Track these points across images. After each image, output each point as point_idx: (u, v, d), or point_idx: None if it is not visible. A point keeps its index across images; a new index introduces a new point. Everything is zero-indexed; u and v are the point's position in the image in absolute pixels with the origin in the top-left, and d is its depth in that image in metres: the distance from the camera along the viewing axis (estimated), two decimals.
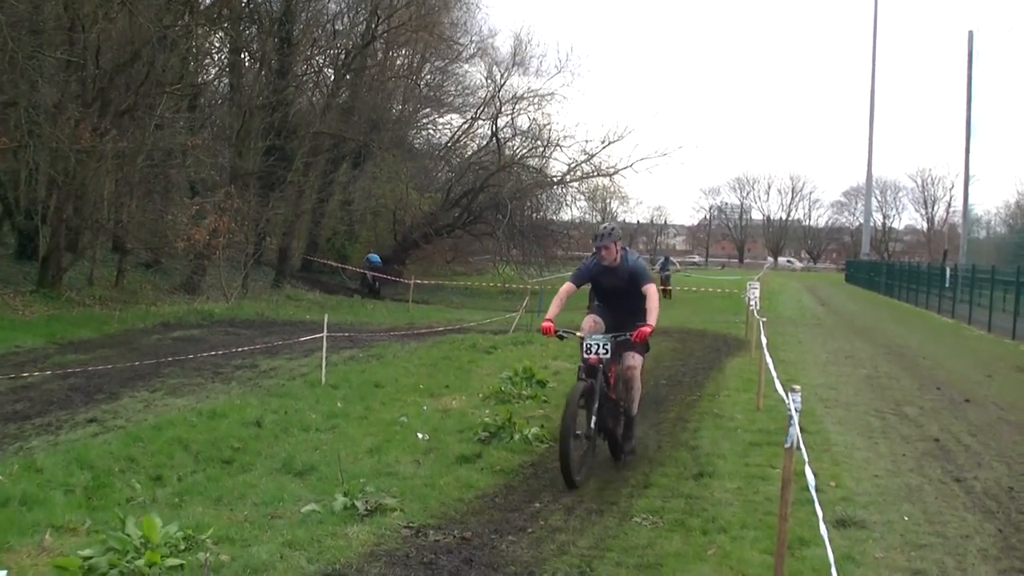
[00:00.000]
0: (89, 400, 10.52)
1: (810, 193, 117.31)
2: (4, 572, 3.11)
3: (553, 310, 7.60)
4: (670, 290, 33.96)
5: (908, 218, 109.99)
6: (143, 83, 21.30)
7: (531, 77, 47.63)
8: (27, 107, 18.67)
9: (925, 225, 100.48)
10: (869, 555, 5.54)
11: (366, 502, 6.01)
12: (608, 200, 56.59)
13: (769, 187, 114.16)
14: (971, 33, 46.35)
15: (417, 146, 41.95)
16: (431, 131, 43.82)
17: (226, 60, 29.70)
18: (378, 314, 24.98)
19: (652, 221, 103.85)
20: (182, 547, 5.04)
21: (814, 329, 22.07)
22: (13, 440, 8.55)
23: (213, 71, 30.77)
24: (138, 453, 7.78)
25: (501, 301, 31.53)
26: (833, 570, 4.15)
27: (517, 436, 8.18)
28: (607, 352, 7.20)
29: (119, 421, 9.45)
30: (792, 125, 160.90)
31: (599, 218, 51.08)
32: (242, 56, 29.12)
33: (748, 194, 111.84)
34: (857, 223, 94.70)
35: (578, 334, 7.47)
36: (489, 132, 39.13)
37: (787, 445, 4.50)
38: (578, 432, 6.87)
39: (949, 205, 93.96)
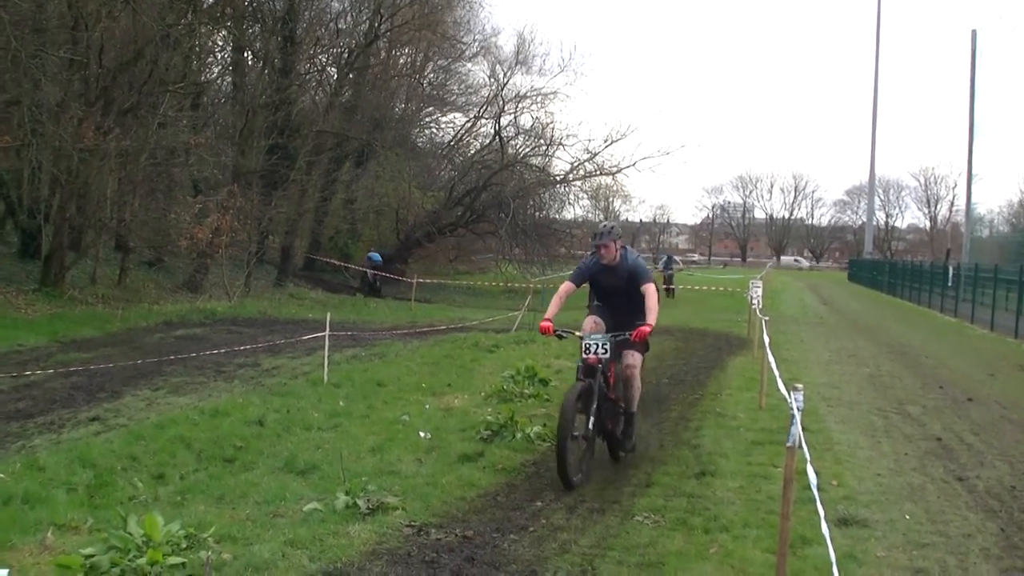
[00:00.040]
0: (91, 398, 10.54)
1: (813, 192, 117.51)
2: (6, 571, 3.11)
3: (552, 309, 7.54)
4: (673, 289, 33.88)
5: (911, 217, 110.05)
6: (146, 82, 21.33)
7: (534, 76, 47.77)
8: (30, 106, 18.70)
9: (928, 224, 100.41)
10: (871, 554, 5.53)
11: (368, 501, 6.01)
12: (611, 199, 56.57)
13: (772, 186, 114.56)
14: (974, 32, 46.30)
15: (420, 145, 41.95)
16: (434, 130, 43.89)
17: (229, 59, 29.77)
18: (380, 313, 24.99)
19: (655, 220, 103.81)
20: (184, 546, 5.04)
21: (817, 328, 22.05)
22: (16, 438, 8.56)
23: (216, 70, 30.88)
24: (140, 451, 7.79)
25: (503, 300, 31.54)
26: (835, 569, 4.15)
27: (519, 435, 8.18)
28: (606, 352, 7.14)
29: (121, 419, 9.46)
30: (795, 124, 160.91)
31: (602, 217, 51.02)
32: (245, 55, 29.17)
33: (751, 193, 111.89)
34: (860, 222, 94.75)
35: (577, 333, 7.43)
36: (492, 131, 39.13)
37: (789, 444, 4.50)
38: (575, 433, 6.81)
39: (952, 204, 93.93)
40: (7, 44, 17.03)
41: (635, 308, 7.34)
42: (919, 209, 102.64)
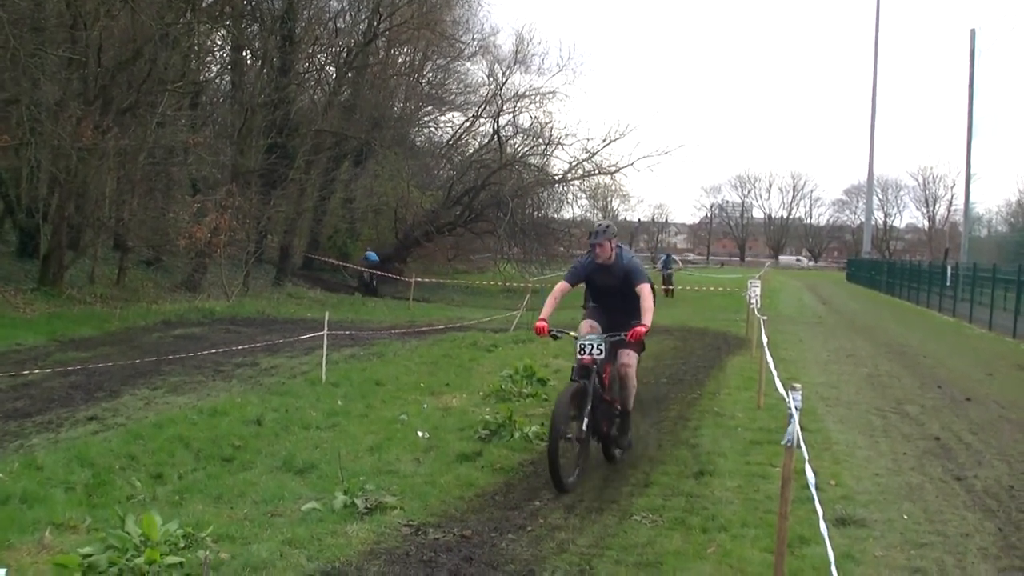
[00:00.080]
0: (90, 398, 10.53)
1: (811, 191, 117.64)
2: (4, 570, 3.10)
3: (547, 309, 7.47)
4: (672, 289, 33.80)
5: (909, 216, 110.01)
6: (145, 81, 21.32)
7: (533, 75, 47.75)
8: (29, 105, 18.69)
9: (926, 223, 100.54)
10: (869, 553, 5.54)
11: (366, 500, 6.02)
12: (609, 198, 56.65)
13: (770, 185, 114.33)
14: (973, 31, 46.27)
15: (419, 144, 41.96)
16: (433, 129, 43.91)
17: (228, 58, 29.75)
18: (379, 312, 24.99)
19: (653, 219, 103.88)
20: (182, 545, 5.04)
21: (815, 328, 22.06)
22: (14, 438, 8.55)
23: (215, 69, 30.87)
24: (138, 451, 7.78)
25: (502, 299, 31.53)
26: (833, 568, 4.14)
27: (517, 434, 8.17)
28: (601, 353, 7.07)
29: (120, 419, 9.45)
30: (793, 123, 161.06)
31: (600, 216, 51.03)
32: (244, 54, 29.15)
33: (749, 192, 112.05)
34: (858, 221, 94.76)
35: (572, 334, 7.38)
36: (491, 130, 39.15)
37: (784, 443, 4.50)
38: (569, 435, 6.73)
39: (950, 203, 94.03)
40: (6, 43, 17.02)
41: (630, 308, 7.29)
42: (917, 209, 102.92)
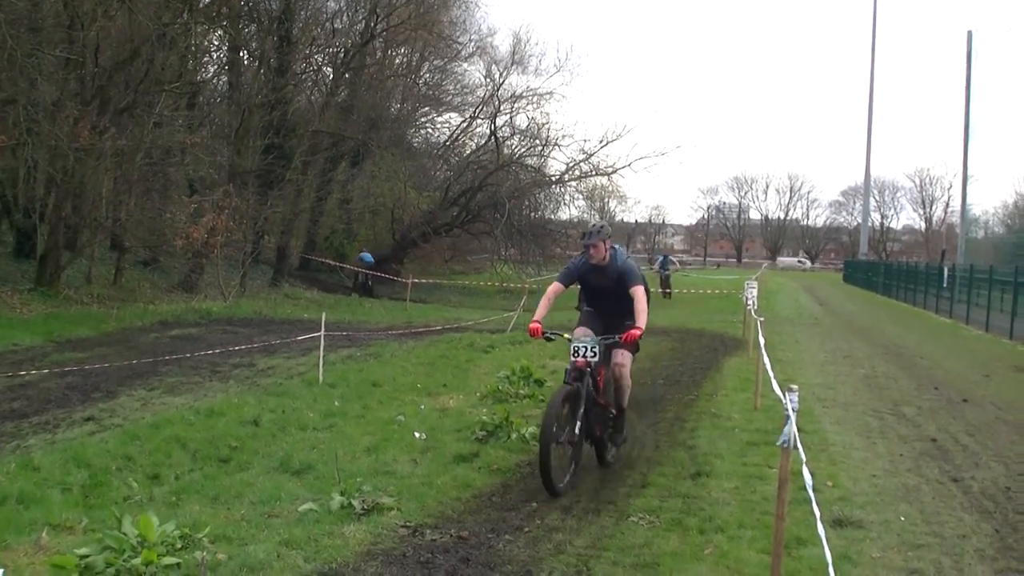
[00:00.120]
0: (86, 398, 10.52)
1: (808, 193, 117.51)
2: (1, 571, 3.10)
3: (541, 311, 7.41)
4: (670, 292, 33.77)
5: (906, 218, 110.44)
6: (142, 81, 21.30)
7: (530, 76, 47.77)
8: (26, 105, 18.67)
9: (923, 225, 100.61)
10: (866, 555, 5.54)
11: (363, 501, 6.01)
12: (606, 199, 56.48)
13: (767, 187, 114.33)
14: (970, 33, 46.37)
15: (416, 145, 41.91)
16: (430, 130, 43.86)
17: (225, 58, 29.71)
18: (376, 313, 24.98)
19: (650, 220, 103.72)
20: (179, 546, 5.03)
21: (812, 329, 22.08)
22: (10, 438, 8.55)
23: (212, 69, 30.79)
24: (135, 452, 7.77)
25: (499, 300, 31.55)
26: (831, 570, 4.15)
27: (514, 435, 8.17)
28: (595, 355, 7.00)
29: (116, 420, 9.45)
30: (790, 125, 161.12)
31: (597, 217, 51.01)
32: (241, 54, 29.14)
33: (746, 194, 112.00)
34: (855, 223, 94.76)
35: (566, 336, 7.31)
36: (488, 131, 39.15)
37: (780, 443, 4.50)
38: (561, 439, 6.64)
39: (947, 205, 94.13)
40: (3, 43, 17.01)
41: (624, 309, 7.23)
42: (914, 210, 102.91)
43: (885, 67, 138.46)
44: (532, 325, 7.29)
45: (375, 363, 13.91)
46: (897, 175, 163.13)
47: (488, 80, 39.07)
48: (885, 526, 6.11)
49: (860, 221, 79.18)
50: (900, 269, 43.25)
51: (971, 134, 44.48)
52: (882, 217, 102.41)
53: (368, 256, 33.83)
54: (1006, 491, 7.17)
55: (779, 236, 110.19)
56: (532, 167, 39.03)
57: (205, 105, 29.81)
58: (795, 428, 4.49)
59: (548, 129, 38.72)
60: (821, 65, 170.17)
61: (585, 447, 7.16)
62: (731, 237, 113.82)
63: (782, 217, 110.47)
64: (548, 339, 7.40)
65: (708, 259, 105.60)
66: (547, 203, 40.61)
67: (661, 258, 38.39)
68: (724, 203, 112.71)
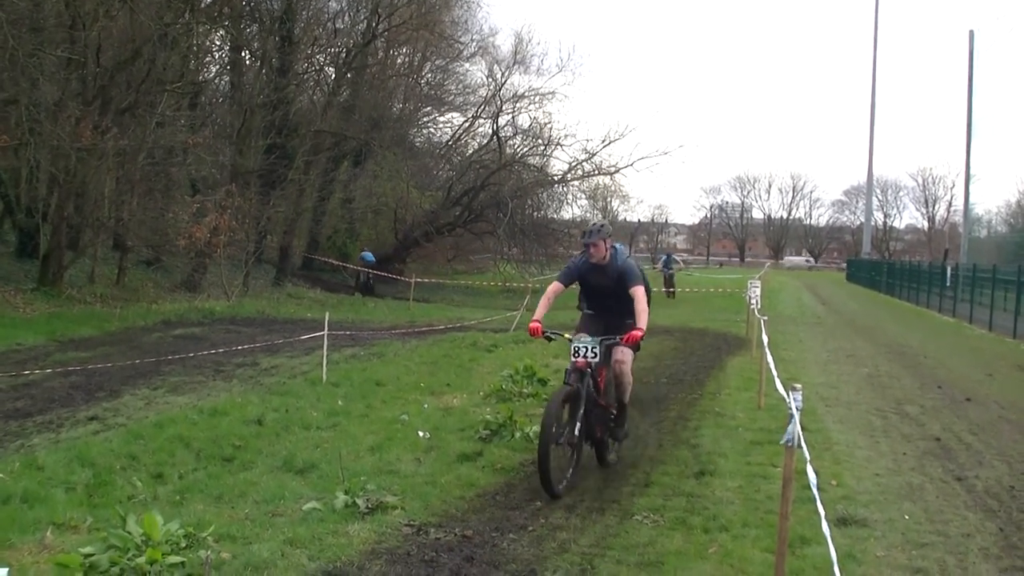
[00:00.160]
0: (90, 398, 10.53)
1: (811, 192, 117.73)
2: (5, 570, 3.10)
3: (540, 310, 7.32)
4: (674, 291, 33.71)
5: (909, 217, 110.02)
6: (144, 81, 21.31)
7: (532, 76, 47.56)
8: (28, 105, 18.68)
9: (926, 224, 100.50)
10: (870, 553, 5.54)
11: (367, 500, 6.01)
12: (609, 199, 56.50)
13: (770, 186, 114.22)
14: (972, 33, 46.42)
15: (418, 144, 41.94)
16: (432, 130, 43.91)
17: (227, 58, 29.74)
18: (379, 312, 24.99)
19: (653, 220, 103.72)
20: (183, 545, 5.04)
21: (815, 328, 22.06)
22: (14, 438, 8.55)
23: (214, 69, 30.84)
24: (139, 451, 7.78)
25: (502, 300, 31.54)
26: (835, 568, 4.14)
27: (518, 434, 8.16)
28: (595, 356, 6.90)
29: (120, 419, 9.45)
30: (793, 124, 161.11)
31: (600, 217, 50.99)
32: (243, 54, 29.15)
33: (749, 193, 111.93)
34: (858, 222, 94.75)
35: (566, 336, 7.23)
36: (490, 131, 39.16)
37: (785, 443, 4.50)
38: (560, 440, 6.58)
39: (950, 204, 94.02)
40: (4, 43, 17.02)
41: (625, 309, 7.15)
42: (917, 209, 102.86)
43: (887, 66, 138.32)
44: (532, 325, 7.21)
45: (379, 362, 13.92)
46: (900, 174, 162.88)
47: (490, 80, 39.12)
48: (889, 525, 6.10)
49: (863, 220, 79.14)
50: (903, 268, 43.20)
51: (973, 133, 44.55)
52: (885, 216, 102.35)
53: (369, 255, 33.86)
54: (1010, 490, 7.16)
55: (782, 235, 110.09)
56: (534, 167, 39.06)
57: (207, 105, 29.84)
58: (799, 427, 4.49)
59: (550, 129, 38.78)
60: (824, 64, 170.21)
61: (585, 448, 7.12)
62: (734, 236, 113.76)
63: (785, 216, 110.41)
64: (548, 339, 7.33)
65: (711, 258, 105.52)
66: (550, 202, 40.67)
67: (664, 257, 38.23)
68: (727, 202, 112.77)
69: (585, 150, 38.33)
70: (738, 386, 11.83)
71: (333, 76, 33.40)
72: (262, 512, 6.04)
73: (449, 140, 42.50)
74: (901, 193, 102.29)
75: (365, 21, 32.63)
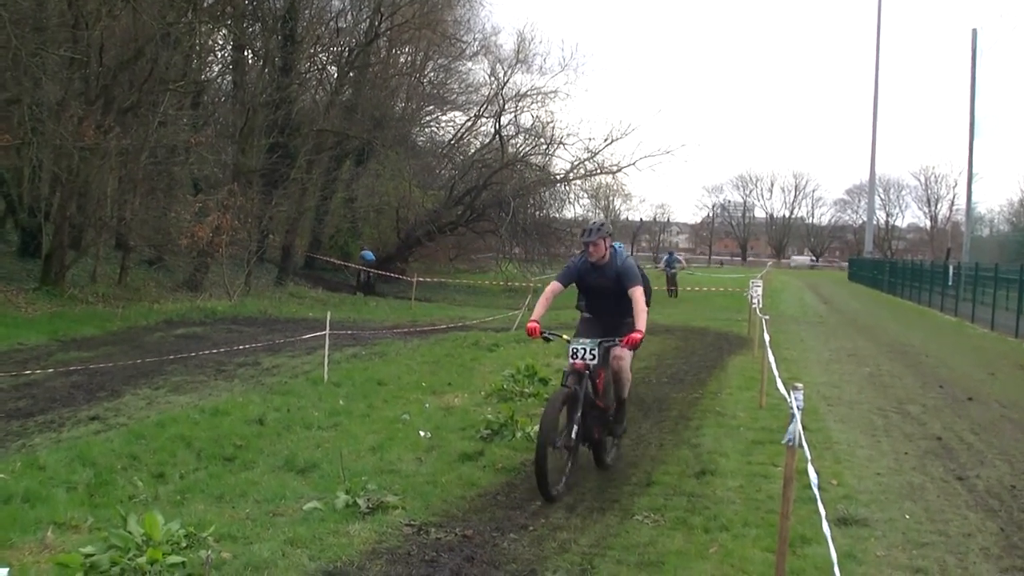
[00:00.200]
0: (92, 397, 10.54)
1: (813, 191, 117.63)
2: (6, 570, 3.11)
3: (539, 310, 7.18)
4: (676, 290, 33.70)
5: (911, 216, 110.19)
6: (146, 80, 21.33)
7: (534, 75, 47.75)
8: (31, 104, 18.71)
9: (928, 223, 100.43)
10: (871, 553, 5.53)
11: (368, 500, 6.01)
12: (611, 198, 56.51)
13: (772, 185, 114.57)
14: (975, 31, 46.37)
15: (420, 144, 41.95)
16: (434, 129, 43.90)
17: (229, 57, 29.79)
18: (381, 312, 25.00)
19: (655, 219, 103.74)
20: (184, 544, 5.04)
21: (817, 327, 22.04)
22: (16, 437, 8.57)
23: (216, 68, 30.90)
24: (140, 450, 7.79)
25: (504, 299, 31.54)
26: (835, 568, 4.14)
27: (519, 434, 8.16)
28: (594, 358, 6.81)
29: (121, 418, 9.46)
30: (795, 123, 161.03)
31: (602, 216, 50.98)
32: (245, 53, 29.18)
33: (751, 192, 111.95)
34: (860, 221, 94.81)
35: (564, 337, 7.14)
36: (492, 130, 39.15)
37: (786, 442, 4.50)
38: (558, 443, 6.53)
39: (952, 203, 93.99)
40: (7, 42, 17.04)
41: (624, 309, 7.07)
42: (919, 208, 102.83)
43: (890, 65, 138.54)
44: (530, 325, 7.13)
45: (380, 362, 13.92)
46: (902, 173, 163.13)
47: (492, 79, 39.10)
48: (890, 524, 6.10)
49: (865, 219, 79.13)
50: (905, 267, 43.17)
51: (976, 132, 44.46)
52: (887, 215, 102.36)
53: (369, 254, 33.88)
54: (1011, 489, 7.16)
55: (784, 235, 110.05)
56: (537, 166, 39.05)
57: (209, 104, 29.85)
58: (800, 427, 4.49)
59: (553, 128, 38.81)
60: (826, 64, 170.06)
61: (583, 450, 7.08)
62: (736, 236, 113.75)
63: (787, 215, 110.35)
64: (547, 339, 7.23)
65: (713, 258, 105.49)
66: (552, 202, 40.63)
67: (667, 256, 38.19)
68: (729, 201, 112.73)
69: (587, 149, 38.40)
70: (739, 385, 11.83)
71: (335, 75, 33.43)
72: (263, 512, 6.05)
73: (451, 139, 42.52)
74: (903, 192, 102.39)
75: (368, 20, 32.66)
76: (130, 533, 4.85)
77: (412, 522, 5.81)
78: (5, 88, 18.71)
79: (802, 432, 4.52)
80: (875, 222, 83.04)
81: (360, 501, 5.98)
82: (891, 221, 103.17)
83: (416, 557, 5.21)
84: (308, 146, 30.08)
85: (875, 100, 68.19)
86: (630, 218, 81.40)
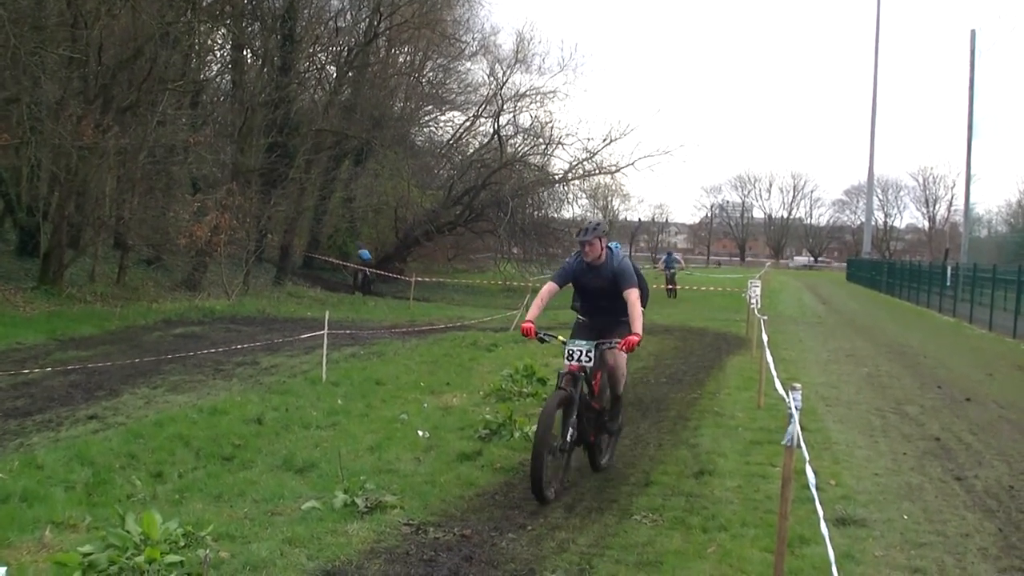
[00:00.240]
0: (90, 397, 10.53)
1: (812, 191, 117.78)
2: (4, 569, 3.10)
3: (534, 311, 7.13)
4: (675, 289, 33.70)
5: (910, 217, 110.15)
6: (145, 80, 21.31)
7: (533, 75, 47.73)
8: (29, 103, 18.69)
9: (926, 224, 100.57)
10: (869, 553, 5.54)
11: (366, 499, 6.01)
12: (610, 198, 56.60)
13: (771, 185, 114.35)
14: (973, 32, 46.45)
15: (419, 143, 41.95)
16: (433, 128, 43.88)
17: (228, 57, 29.74)
18: (379, 311, 25.00)
19: (653, 219, 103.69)
20: (182, 544, 5.03)
21: (815, 328, 22.06)
22: (14, 436, 8.57)
23: (215, 68, 30.86)
24: (139, 450, 7.78)
25: (502, 299, 31.52)
26: (833, 568, 4.14)
27: (517, 434, 8.17)
28: (590, 360, 6.76)
29: (120, 418, 9.46)
30: (794, 123, 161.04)
31: (600, 216, 50.99)
32: (244, 53, 29.13)
33: (749, 192, 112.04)
34: (859, 222, 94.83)
35: (560, 338, 7.06)
36: (491, 130, 39.14)
37: (784, 443, 4.50)
38: (554, 445, 6.48)
39: (950, 204, 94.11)
40: (6, 41, 17.03)
41: (620, 310, 7.02)
42: (918, 209, 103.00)
43: (888, 66, 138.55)
44: (525, 325, 7.08)
45: (378, 361, 13.92)
46: (900, 174, 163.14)
47: (491, 79, 39.10)
48: (888, 525, 6.10)
49: (863, 220, 79.15)
50: (903, 268, 43.22)
51: (974, 133, 44.55)
52: (885, 216, 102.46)
53: (365, 253, 33.87)
54: (1009, 490, 7.16)
55: (783, 235, 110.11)
56: (535, 166, 39.04)
57: (208, 104, 29.82)
58: (798, 427, 4.49)
59: (551, 128, 38.78)
60: (825, 64, 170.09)
61: (578, 452, 7.05)
62: (734, 236, 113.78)
63: (785, 216, 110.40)
64: (541, 340, 7.16)
65: (711, 258, 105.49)
66: (550, 202, 40.66)
67: (666, 256, 38.16)
68: (727, 202, 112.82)
69: (586, 149, 38.39)
70: (738, 386, 11.83)
71: (334, 75, 33.41)
72: (261, 511, 6.04)
73: (450, 139, 42.53)
74: (902, 193, 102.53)
75: (367, 20, 32.64)
76: (128, 532, 4.85)
77: (410, 521, 5.81)
78: (4, 87, 18.69)
79: (800, 432, 4.52)
80: (873, 223, 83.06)
81: (358, 500, 5.98)
82: (889, 222, 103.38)
83: (414, 556, 5.21)
84: (307, 146, 30.06)
85: (874, 101, 68.38)
86: (628, 218, 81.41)
